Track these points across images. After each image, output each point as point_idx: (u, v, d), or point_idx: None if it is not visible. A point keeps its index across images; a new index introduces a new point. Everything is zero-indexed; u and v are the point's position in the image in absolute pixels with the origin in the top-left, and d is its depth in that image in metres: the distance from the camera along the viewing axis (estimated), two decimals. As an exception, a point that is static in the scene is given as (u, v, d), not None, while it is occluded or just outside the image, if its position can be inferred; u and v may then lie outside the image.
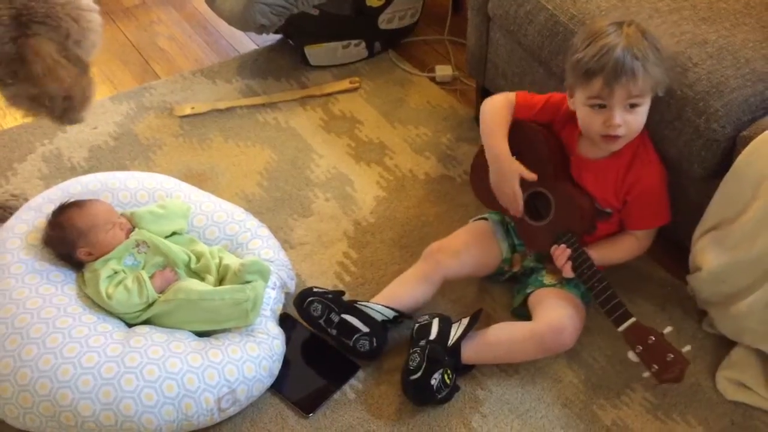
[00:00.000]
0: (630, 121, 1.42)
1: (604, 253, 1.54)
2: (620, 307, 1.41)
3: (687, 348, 1.34)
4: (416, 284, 1.59)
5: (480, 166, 1.63)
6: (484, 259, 1.64)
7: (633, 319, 1.39)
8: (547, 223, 1.55)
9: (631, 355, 1.38)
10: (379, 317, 1.51)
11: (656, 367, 1.34)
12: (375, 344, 1.50)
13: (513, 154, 1.54)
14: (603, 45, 1.37)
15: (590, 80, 1.40)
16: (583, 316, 1.53)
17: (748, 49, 1.50)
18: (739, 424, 1.46)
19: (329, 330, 1.51)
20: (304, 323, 1.55)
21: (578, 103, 1.46)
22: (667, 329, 1.37)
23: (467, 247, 1.62)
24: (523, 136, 1.57)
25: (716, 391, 1.50)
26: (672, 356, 1.33)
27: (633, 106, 1.41)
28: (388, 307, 1.53)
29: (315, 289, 1.54)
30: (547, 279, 1.57)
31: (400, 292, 1.58)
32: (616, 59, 1.36)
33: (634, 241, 1.57)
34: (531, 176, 1.51)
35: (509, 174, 1.53)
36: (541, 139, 1.56)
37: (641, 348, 1.36)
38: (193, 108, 2.21)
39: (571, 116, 1.54)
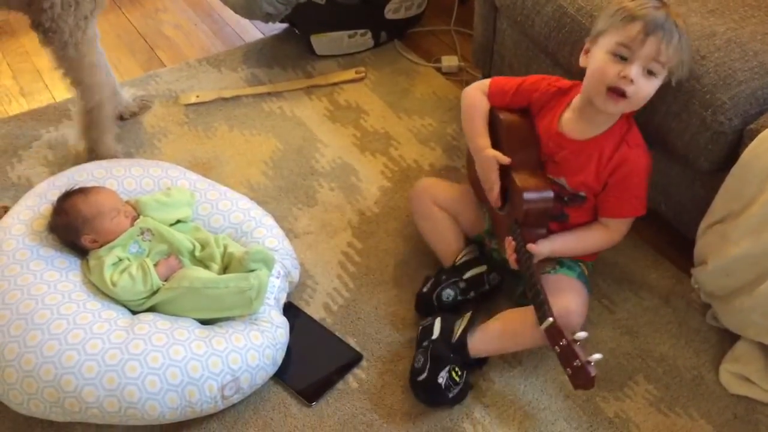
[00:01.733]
0: (641, 86, 1.36)
1: (568, 243, 1.50)
2: (542, 306, 1.36)
3: (596, 356, 1.27)
4: (441, 225, 1.65)
5: (470, 159, 1.62)
6: (466, 213, 1.65)
7: (550, 320, 1.33)
8: (506, 213, 1.52)
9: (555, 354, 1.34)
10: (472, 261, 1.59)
11: (569, 371, 1.29)
12: (501, 277, 1.58)
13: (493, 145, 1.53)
14: (649, 2, 1.38)
15: (628, 24, 1.35)
16: (585, 297, 1.51)
17: (757, 42, 1.49)
18: (741, 417, 1.46)
19: (468, 297, 1.55)
20: (441, 316, 1.53)
21: (599, 51, 1.39)
22: (580, 334, 1.30)
23: (452, 191, 1.68)
24: (493, 126, 1.56)
25: (719, 385, 1.50)
26: (578, 363, 1.27)
27: (650, 73, 1.37)
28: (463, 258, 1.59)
29: (425, 290, 1.57)
30: (542, 269, 1.56)
31: (445, 244, 1.63)
32: (660, 16, 1.36)
33: (604, 233, 1.51)
34: (505, 159, 1.48)
35: (487, 163, 1.51)
36: (503, 127, 1.51)
37: (558, 349, 1.31)
38: (198, 96, 2.20)
39: (552, 95, 1.52)
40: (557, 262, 1.54)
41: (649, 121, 1.55)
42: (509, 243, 1.47)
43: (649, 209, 1.72)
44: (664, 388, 1.50)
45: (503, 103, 1.56)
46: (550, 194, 1.45)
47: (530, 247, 1.43)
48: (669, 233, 1.75)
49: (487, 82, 1.59)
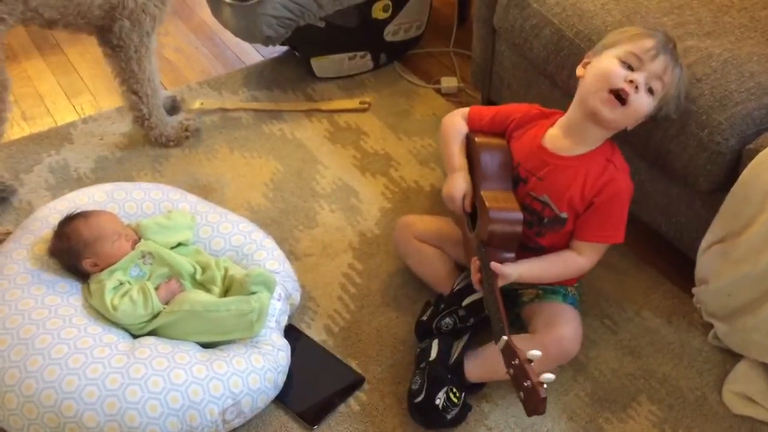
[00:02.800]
0: (641, 98, 1.37)
1: (536, 268, 1.46)
2: (499, 324, 1.30)
3: (549, 376, 1.15)
4: (428, 258, 1.65)
5: None
6: (450, 243, 1.64)
7: (504, 338, 1.26)
8: (474, 234, 1.49)
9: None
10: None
11: (521, 394, 1.18)
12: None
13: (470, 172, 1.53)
14: (661, 30, 1.44)
15: (642, 38, 1.38)
16: (577, 320, 1.51)
17: (753, 63, 1.50)
18: (745, 438, 1.45)
19: (467, 324, 1.53)
20: (439, 338, 1.52)
21: (606, 57, 1.40)
22: (534, 353, 1.19)
23: (433, 224, 1.69)
24: (470, 149, 1.56)
25: (722, 405, 1.50)
26: (528, 384, 1.16)
27: (651, 91, 1.38)
28: (459, 284, 1.57)
29: (425, 318, 1.56)
30: (526, 296, 1.56)
31: (436, 275, 1.64)
32: (669, 44, 1.40)
33: (575, 259, 1.48)
34: (466, 206, 1.50)
35: (453, 188, 1.51)
36: (477, 151, 1.51)
37: (511, 370, 1.21)
38: (202, 103, 2.24)
39: (534, 116, 1.53)
40: (537, 290, 1.54)
41: (647, 142, 1.56)
42: (474, 262, 1.44)
43: (650, 229, 1.73)
44: (667, 409, 1.50)
45: (480, 126, 1.57)
46: (519, 216, 1.42)
47: (494, 265, 1.39)
48: (670, 253, 1.75)
49: (466, 108, 1.61)
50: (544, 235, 1.49)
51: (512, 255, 1.44)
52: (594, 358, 1.58)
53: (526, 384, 1.17)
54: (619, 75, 1.37)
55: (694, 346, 1.61)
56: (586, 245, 1.48)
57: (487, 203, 1.43)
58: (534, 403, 1.15)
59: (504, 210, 1.43)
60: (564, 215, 1.46)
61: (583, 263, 1.49)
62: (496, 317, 1.33)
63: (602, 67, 1.40)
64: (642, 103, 1.38)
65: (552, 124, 1.50)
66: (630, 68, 1.37)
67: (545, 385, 1.15)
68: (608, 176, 1.44)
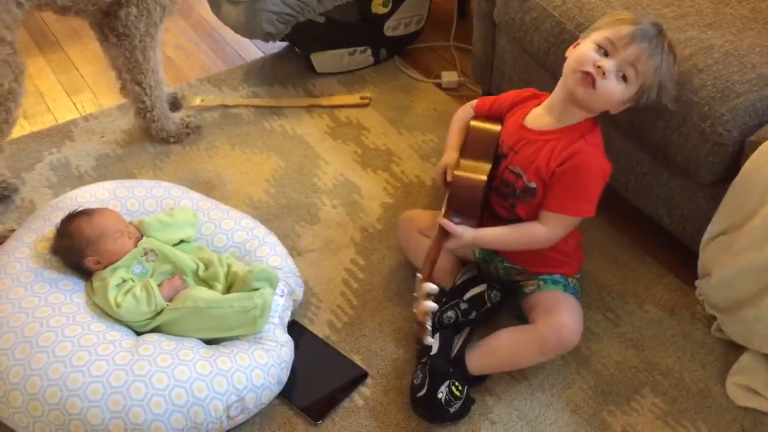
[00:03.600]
0: (610, 84, 1.40)
1: (495, 234, 1.49)
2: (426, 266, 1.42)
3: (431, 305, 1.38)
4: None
5: None
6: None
7: (418, 275, 1.41)
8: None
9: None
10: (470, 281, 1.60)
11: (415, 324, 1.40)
12: (501, 294, 1.57)
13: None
14: (648, 18, 1.46)
15: (621, 25, 1.41)
16: (578, 309, 1.51)
17: (755, 54, 1.50)
18: (749, 430, 1.45)
19: (470, 317, 1.54)
20: (441, 332, 1.53)
21: (586, 42, 1.44)
22: (430, 286, 1.38)
23: (435, 218, 1.66)
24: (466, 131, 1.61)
25: (726, 397, 1.50)
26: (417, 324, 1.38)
27: (624, 78, 1.40)
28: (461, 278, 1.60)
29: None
30: (527, 287, 1.57)
31: (439, 268, 1.59)
32: (652, 31, 1.41)
33: (538, 228, 1.48)
34: (449, 173, 1.52)
35: (440, 164, 1.59)
36: (469, 129, 1.57)
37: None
38: (203, 100, 2.24)
39: (526, 98, 1.58)
40: (538, 281, 1.55)
41: (649, 134, 1.56)
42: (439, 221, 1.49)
43: (652, 222, 1.73)
44: (670, 401, 1.50)
45: (484, 110, 1.63)
46: (482, 180, 1.46)
47: (444, 221, 1.44)
48: (672, 246, 1.75)
49: (477, 100, 1.68)
50: (517, 206, 1.51)
51: (472, 221, 1.48)
52: (597, 351, 1.58)
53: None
54: (589, 59, 1.40)
55: (697, 338, 1.61)
56: (548, 215, 1.48)
57: (456, 171, 1.49)
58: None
59: (469, 172, 1.48)
60: (533, 185, 1.48)
61: (543, 233, 1.48)
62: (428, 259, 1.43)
63: (579, 49, 1.44)
64: (611, 89, 1.40)
65: (539, 104, 1.54)
66: (606, 54, 1.41)
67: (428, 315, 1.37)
68: (575, 148, 1.45)
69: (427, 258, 1.43)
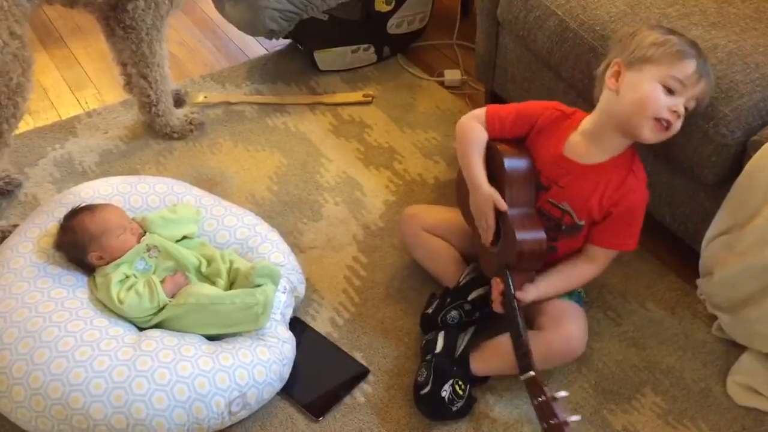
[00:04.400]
0: (680, 123, 1.38)
1: (553, 284, 1.48)
2: (526, 358, 1.34)
3: (575, 418, 1.25)
4: (435, 249, 1.65)
5: (462, 181, 1.56)
6: (457, 235, 1.64)
7: (531, 373, 1.32)
8: (496, 251, 1.48)
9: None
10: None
11: (545, 425, 1.26)
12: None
13: (489, 178, 1.48)
14: (687, 40, 1.40)
15: (682, 61, 1.35)
16: (584, 319, 1.51)
17: (759, 54, 1.50)
18: (750, 429, 1.45)
19: (473, 318, 1.53)
20: (445, 330, 1.53)
21: (646, 79, 1.36)
22: (561, 393, 1.27)
23: (440, 214, 1.69)
24: (492, 159, 1.50)
25: (727, 396, 1.50)
26: (554, 422, 1.24)
27: (686, 109, 1.38)
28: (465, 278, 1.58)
29: (430, 312, 1.56)
30: None
31: (443, 267, 1.64)
32: (704, 59, 1.38)
33: (589, 266, 1.49)
34: (502, 206, 1.43)
35: (484, 201, 1.46)
36: (501, 162, 1.46)
37: (536, 402, 1.29)
38: (206, 97, 2.25)
39: (555, 119, 1.48)
40: None
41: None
42: (497, 284, 1.45)
43: (654, 221, 1.73)
44: (671, 401, 1.50)
45: (503, 132, 1.51)
46: (543, 236, 1.43)
47: (519, 295, 1.42)
48: (674, 245, 1.75)
49: (482, 111, 1.52)
50: (559, 240, 1.49)
51: (532, 273, 1.46)
52: (598, 350, 1.59)
53: (552, 422, 1.25)
54: (664, 104, 1.35)
55: (698, 337, 1.61)
56: (600, 251, 1.49)
57: (513, 226, 1.42)
58: None
59: (531, 230, 1.42)
60: (581, 223, 1.46)
61: (594, 270, 1.51)
62: (521, 350, 1.35)
63: (645, 92, 1.36)
64: (679, 125, 1.38)
65: (574, 128, 1.47)
66: (670, 91, 1.36)
67: (570, 426, 1.24)
68: (628, 187, 1.44)
69: (522, 333, 1.37)
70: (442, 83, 2.34)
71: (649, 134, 1.38)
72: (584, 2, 1.68)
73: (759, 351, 1.50)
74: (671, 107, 1.35)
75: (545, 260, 1.46)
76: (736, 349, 1.55)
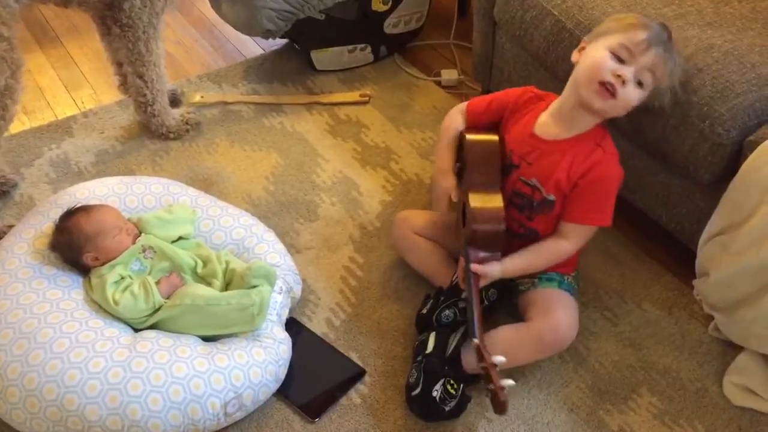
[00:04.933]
0: (629, 91, 1.38)
1: (520, 261, 1.48)
2: (471, 325, 1.37)
3: (508, 382, 1.27)
4: (426, 252, 1.67)
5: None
6: (448, 237, 1.65)
7: (475, 340, 1.34)
8: (462, 231, 1.51)
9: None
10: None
11: (488, 394, 1.29)
12: (499, 292, 1.57)
13: (459, 164, 1.57)
14: (656, 21, 1.43)
15: (635, 30, 1.38)
16: (574, 306, 1.52)
17: (755, 54, 1.50)
18: (746, 429, 1.45)
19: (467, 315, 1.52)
20: (437, 330, 1.53)
21: (598, 46, 1.40)
22: (499, 359, 1.30)
23: (430, 218, 1.70)
24: (461, 146, 1.57)
25: (723, 397, 1.50)
26: (491, 386, 1.27)
27: (640, 84, 1.39)
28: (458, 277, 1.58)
29: (425, 311, 1.57)
30: (523, 285, 1.56)
31: (435, 269, 1.65)
32: (664, 36, 1.40)
33: (559, 243, 1.49)
34: (454, 196, 1.53)
35: (439, 189, 1.57)
36: (465, 147, 1.53)
37: (481, 370, 1.32)
38: (202, 97, 2.24)
39: (528, 100, 1.54)
40: (533, 278, 1.54)
41: (648, 134, 1.56)
42: (460, 262, 1.49)
43: (650, 221, 1.73)
44: (667, 401, 1.50)
45: (481, 117, 1.59)
46: (501, 214, 1.44)
47: (474, 267, 1.43)
48: (670, 245, 1.75)
49: (465, 102, 1.63)
50: (534, 219, 1.50)
51: (497, 254, 1.46)
52: (594, 351, 1.59)
53: (490, 387, 1.28)
54: (608, 68, 1.38)
55: (694, 337, 1.61)
56: (571, 227, 1.49)
57: (471, 204, 1.45)
58: (497, 405, 1.27)
59: (487, 210, 1.45)
60: (551, 197, 1.47)
61: (567, 247, 1.49)
62: (471, 317, 1.38)
63: (593, 58, 1.41)
64: (630, 96, 1.39)
65: (545, 108, 1.52)
66: (621, 60, 1.38)
67: (506, 390, 1.26)
68: (595, 158, 1.45)
69: (474, 304, 1.39)
70: (439, 83, 2.34)
71: (596, 100, 1.40)
72: (580, 2, 1.68)
73: (755, 351, 1.50)
74: (615, 71, 1.37)
75: (503, 239, 1.46)
76: (732, 349, 1.55)
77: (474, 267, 1.43)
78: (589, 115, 1.44)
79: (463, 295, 1.53)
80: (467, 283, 1.43)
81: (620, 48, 1.38)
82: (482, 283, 1.45)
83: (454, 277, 1.58)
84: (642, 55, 1.37)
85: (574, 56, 1.47)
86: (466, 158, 1.54)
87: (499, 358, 1.30)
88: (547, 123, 1.49)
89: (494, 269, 1.45)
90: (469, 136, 1.55)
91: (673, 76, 1.42)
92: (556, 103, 1.50)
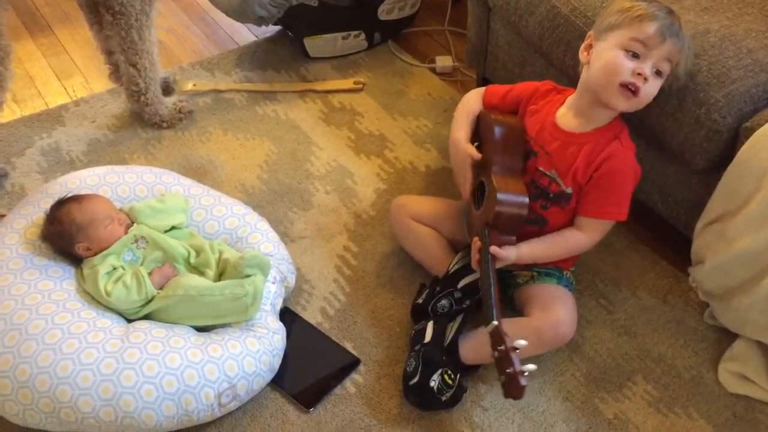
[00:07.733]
0: (650, 87, 1.38)
1: (537, 249, 1.48)
2: (490, 310, 1.33)
3: (531, 367, 1.22)
4: (423, 239, 1.65)
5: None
6: (446, 224, 1.64)
7: (495, 323, 1.30)
8: (479, 213, 1.50)
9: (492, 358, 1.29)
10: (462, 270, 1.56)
11: (502, 378, 1.24)
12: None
13: (477, 143, 1.56)
14: (663, 7, 1.40)
15: (643, 23, 1.36)
16: (572, 303, 1.51)
17: (751, 39, 1.49)
18: (741, 416, 1.45)
19: (464, 306, 1.52)
20: (434, 319, 1.52)
21: (609, 46, 1.39)
22: (520, 342, 1.25)
23: (428, 204, 1.69)
24: (483, 126, 1.57)
25: (718, 384, 1.50)
26: (511, 370, 1.22)
27: (659, 73, 1.38)
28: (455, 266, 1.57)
29: (420, 301, 1.56)
30: (520, 278, 1.56)
31: (432, 256, 1.64)
32: (674, 21, 1.38)
33: (576, 236, 1.49)
34: (476, 155, 1.51)
35: (460, 157, 1.55)
36: (491, 126, 1.52)
37: (496, 354, 1.27)
38: (194, 85, 2.22)
39: (548, 91, 1.54)
40: (532, 272, 1.54)
41: (643, 120, 1.55)
42: (475, 242, 1.47)
43: (646, 208, 1.73)
44: (663, 388, 1.50)
45: (496, 102, 1.60)
46: (525, 200, 1.43)
47: (493, 249, 1.41)
48: (666, 232, 1.74)
49: (484, 88, 1.64)
50: (549, 209, 1.50)
51: (512, 238, 1.45)
52: (589, 338, 1.58)
53: (508, 370, 1.23)
54: (627, 68, 1.36)
55: (689, 325, 1.61)
56: (587, 221, 1.48)
57: (496, 185, 1.43)
58: (513, 389, 1.23)
59: (512, 193, 1.43)
60: (569, 190, 1.47)
61: (583, 240, 1.49)
62: (489, 301, 1.35)
63: (608, 59, 1.38)
64: (652, 90, 1.39)
65: (563, 102, 1.52)
66: (635, 55, 1.36)
67: (526, 374, 1.22)
68: (610, 151, 1.44)
69: (493, 286, 1.36)
70: (433, 70, 2.32)
71: (619, 102, 1.39)
72: (576, -13, 1.66)
73: (750, 338, 1.50)
74: (635, 70, 1.36)
75: (529, 222, 1.46)
76: (727, 336, 1.55)
77: (493, 249, 1.41)
78: (605, 110, 1.44)
79: (462, 284, 1.52)
80: (484, 266, 1.41)
81: (633, 43, 1.36)
82: (498, 265, 1.43)
83: (451, 265, 1.57)
84: (658, 48, 1.36)
85: (583, 57, 1.46)
86: (487, 138, 1.53)
87: (521, 342, 1.25)
88: (566, 115, 1.50)
89: (510, 253, 1.44)
90: (494, 116, 1.54)
91: (687, 59, 1.41)
92: (572, 100, 1.50)
